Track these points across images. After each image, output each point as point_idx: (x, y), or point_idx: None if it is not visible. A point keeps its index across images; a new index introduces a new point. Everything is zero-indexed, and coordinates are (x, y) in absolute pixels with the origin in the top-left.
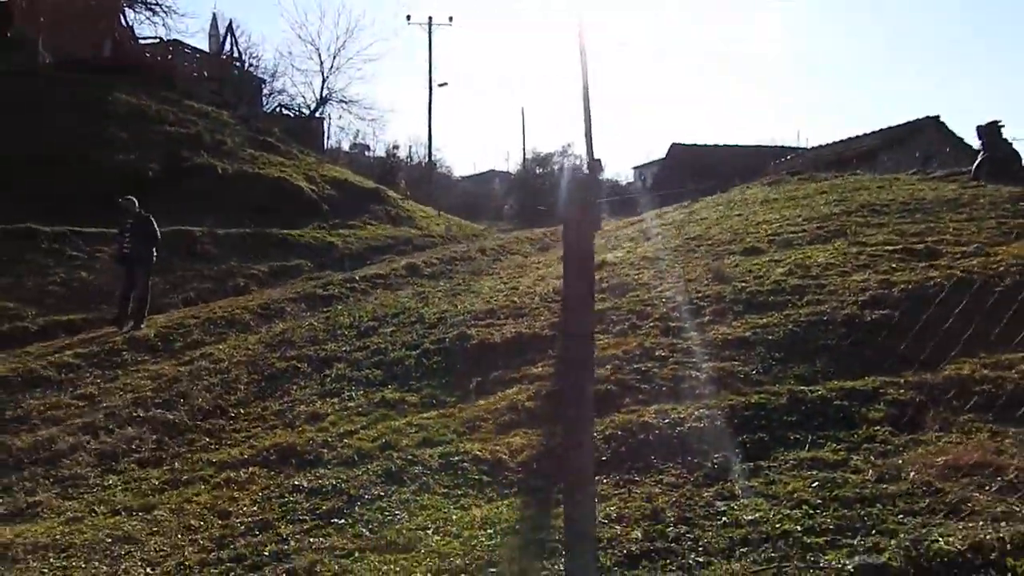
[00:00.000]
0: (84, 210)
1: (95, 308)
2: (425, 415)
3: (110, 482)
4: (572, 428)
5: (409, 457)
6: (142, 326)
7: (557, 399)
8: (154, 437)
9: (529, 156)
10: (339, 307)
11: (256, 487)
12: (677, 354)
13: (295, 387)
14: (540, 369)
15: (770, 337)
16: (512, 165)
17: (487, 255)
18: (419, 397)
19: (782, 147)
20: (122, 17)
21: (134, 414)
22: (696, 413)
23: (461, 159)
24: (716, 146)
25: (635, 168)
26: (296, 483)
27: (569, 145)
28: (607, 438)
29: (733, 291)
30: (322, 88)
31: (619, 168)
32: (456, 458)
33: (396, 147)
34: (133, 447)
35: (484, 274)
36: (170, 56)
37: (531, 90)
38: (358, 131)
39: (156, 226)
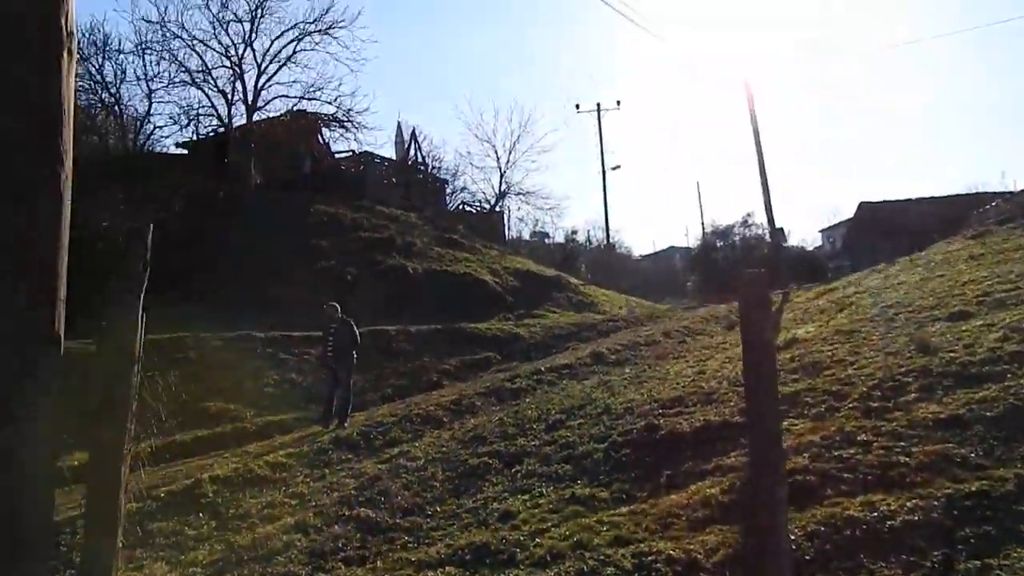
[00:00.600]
0: (293, 314)
1: (304, 407)
2: (616, 512)
3: None
4: (764, 534)
5: (602, 557)
6: (345, 425)
7: (751, 494)
8: (358, 535)
9: (708, 229)
10: (527, 400)
11: None
12: (882, 437)
13: (487, 484)
14: (733, 459)
15: (988, 414)
16: (691, 240)
17: (672, 337)
18: (609, 492)
19: (984, 193)
20: (319, 136)
21: (340, 512)
22: (909, 504)
23: (640, 238)
24: (908, 201)
25: (822, 231)
26: None
27: (749, 215)
28: (809, 535)
29: (941, 363)
30: (500, 183)
31: (805, 232)
32: (649, 558)
33: (574, 232)
34: (339, 545)
35: (670, 357)
36: (362, 167)
37: (705, 162)
38: (537, 220)
39: (357, 330)
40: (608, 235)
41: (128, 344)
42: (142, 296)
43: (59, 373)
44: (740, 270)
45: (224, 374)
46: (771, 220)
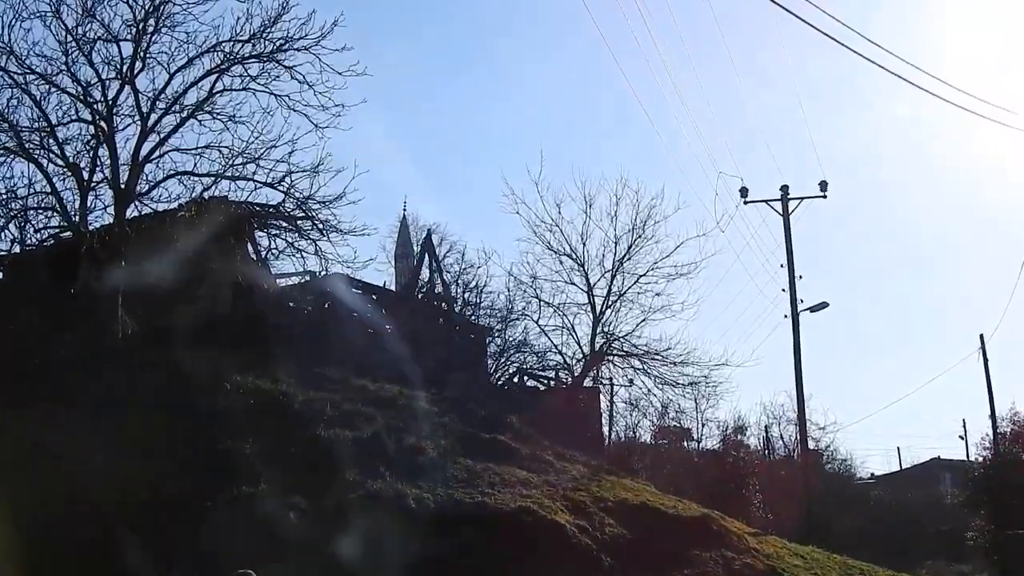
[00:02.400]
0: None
1: None
2: None
3: None
4: None
5: None
6: None
7: None
8: None
9: (1005, 427)
10: None
11: None
12: None
13: None
14: None
15: None
16: (974, 446)
17: None
18: None
19: None
20: (249, 246)
21: None
22: None
23: (870, 444)
24: None
25: None
26: None
27: None
28: None
29: None
30: (594, 334)
31: None
32: None
33: (740, 430)
34: None
35: None
36: (328, 303)
37: (992, 304)
38: (665, 406)
39: None
40: (804, 435)
41: None
42: None
43: None
44: None
45: None
46: None
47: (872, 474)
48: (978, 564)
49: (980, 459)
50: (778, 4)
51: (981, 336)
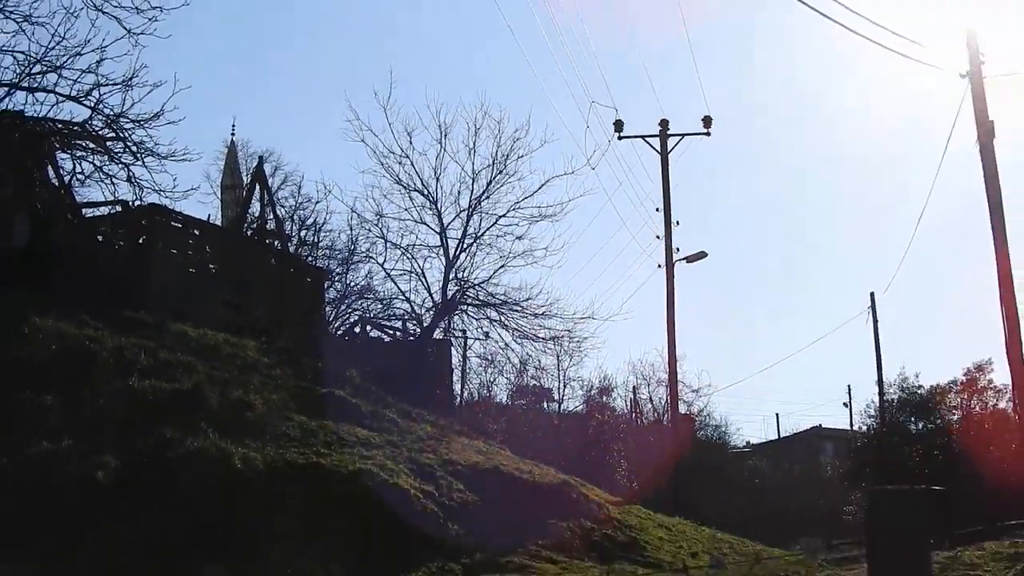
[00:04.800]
0: None
1: None
2: None
3: None
4: None
5: None
6: None
7: None
8: None
9: (892, 395)
10: None
11: None
12: None
13: None
14: None
15: None
16: (858, 414)
17: None
18: None
19: None
20: (51, 169)
21: None
22: None
23: (748, 409)
24: None
25: None
26: None
27: (981, 367)
28: None
29: None
30: (446, 279)
31: None
32: None
33: (606, 391)
34: None
35: None
36: (143, 237)
37: (885, 261)
38: (523, 362)
39: None
40: (675, 399)
41: None
42: None
43: None
44: None
45: None
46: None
47: (748, 442)
48: (857, 541)
49: (864, 428)
50: None
51: (872, 295)
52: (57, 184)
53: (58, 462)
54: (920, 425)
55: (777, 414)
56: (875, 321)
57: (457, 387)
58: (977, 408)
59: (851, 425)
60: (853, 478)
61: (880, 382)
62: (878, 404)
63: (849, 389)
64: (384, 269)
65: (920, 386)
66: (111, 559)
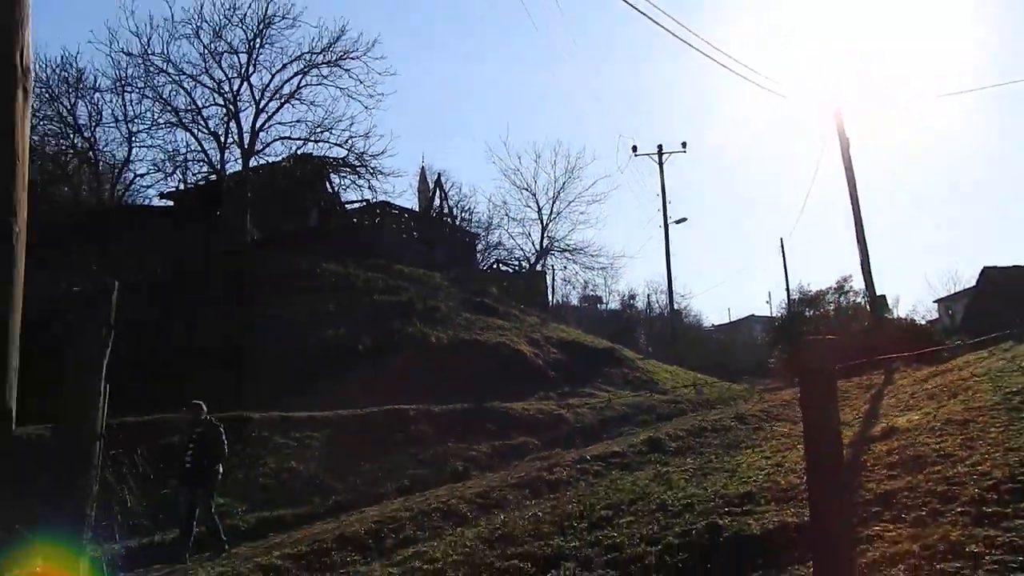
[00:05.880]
0: (292, 391)
1: (307, 501)
2: None
3: None
4: None
5: None
6: (223, 553)
7: None
8: None
9: (795, 296)
10: (567, 493)
11: None
12: (997, 550)
13: None
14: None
15: None
16: (775, 308)
17: (746, 423)
18: None
19: None
20: (327, 184)
21: None
22: None
23: (712, 306)
24: None
25: (938, 301)
26: None
27: (846, 279)
28: None
29: None
30: (542, 238)
31: (918, 302)
32: None
33: (632, 297)
34: None
35: (742, 447)
36: (377, 219)
37: (792, 217)
38: (587, 283)
39: (224, 438)
40: (672, 301)
41: (89, 418)
42: (105, 364)
43: (10, 451)
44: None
45: None
46: (869, 284)
47: (713, 324)
48: (776, 379)
49: (780, 314)
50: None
51: (781, 239)
52: (331, 191)
53: (338, 340)
54: (810, 313)
55: (729, 308)
56: (783, 256)
57: (549, 297)
58: (843, 302)
59: (771, 313)
60: (774, 343)
61: (787, 289)
62: (787, 301)
63: (769, 294)
64: (508, 233)
65: (810, 290)
66: (360, 394)
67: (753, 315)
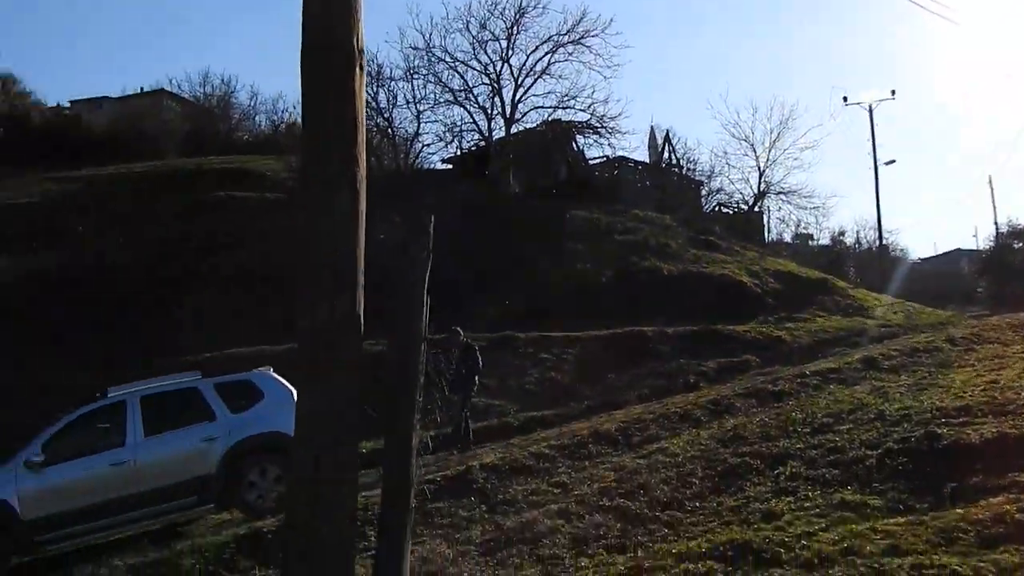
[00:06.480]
0: (550, 315)
1: (563, 404)
2: (891, 521)
3: (583, 563)
4: None
5: (875, 566)
6: (469, 452)
7: None
8: (618, 525)
9: (1003, 229)
10: (790, 403)
11: None
12: None
13: (748, 483)
14: None
15: None
16: (982, 242)
17: (957, 345)
18: (883, 501)
19: None
20: (573, 144)
21: (600, 502)
22: None
23: (920, 241)
24: None
25: None
26: None
27: None
28: None
29: None
30: (759, 182)
31: None
32: (931, 571)
33: (842, 234)
34: (600, 533)
35: (954, 366)
36: (616, 172)
37: (1000, 155)
38: (799, 221)
39: (479, 356)
40: (881, 236)
41: (415, 324)
42: (426, 279)
43: (358, 357)
44: None
45: (489, 372)
46: None
47: (920, 258)
48: (983, 307)
49: (987, 247)
50: None
51: (989, 176)
52: (576, 150)
53: (585, 273)
54: (1019, 245)
55: (935, 242)
56: (992, 195)
57: (765, 234)
58: None
59: (977, 247)
60: (981, 274)
61: (996, 223)
62: (995, 234)
63: (976, 228)
64: (729, 179)
65: (1019, 224)
66: (605, 318)
67: (960, 249)
